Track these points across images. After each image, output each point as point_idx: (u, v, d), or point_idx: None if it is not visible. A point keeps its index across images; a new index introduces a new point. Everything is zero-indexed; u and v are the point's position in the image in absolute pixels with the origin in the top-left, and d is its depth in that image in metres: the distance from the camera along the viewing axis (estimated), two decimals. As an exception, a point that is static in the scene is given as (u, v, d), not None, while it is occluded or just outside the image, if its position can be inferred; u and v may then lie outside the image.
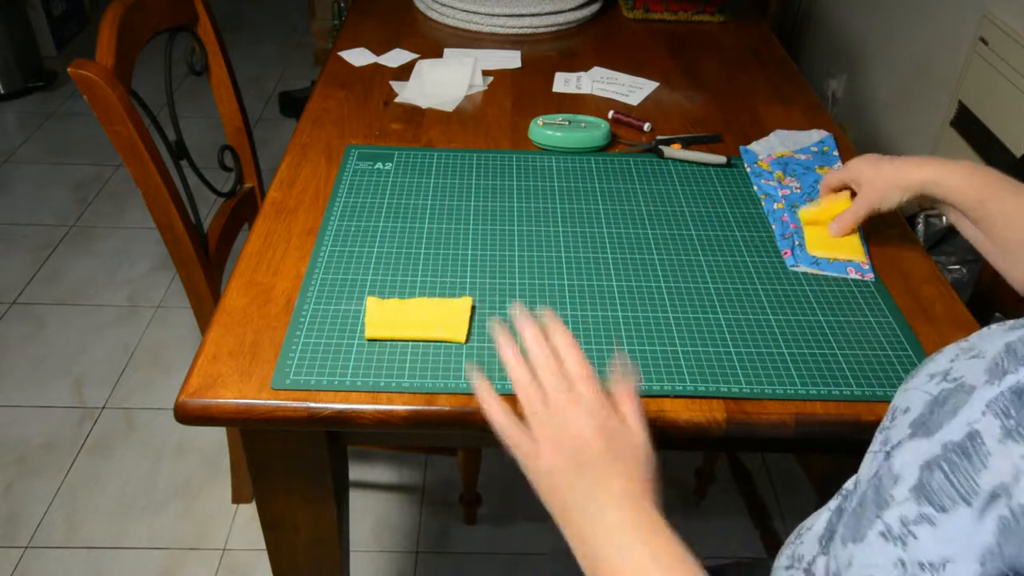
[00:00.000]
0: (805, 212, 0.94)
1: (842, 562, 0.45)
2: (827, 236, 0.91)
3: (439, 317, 0.78)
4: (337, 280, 0.84)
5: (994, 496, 0.37)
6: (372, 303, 0.79)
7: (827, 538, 0.54)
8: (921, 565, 0.39)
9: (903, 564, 0.39)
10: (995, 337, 0.47)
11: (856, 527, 0.45)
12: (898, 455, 0.45)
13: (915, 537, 0.39)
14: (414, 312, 0.78)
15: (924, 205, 0.85)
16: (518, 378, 0.61)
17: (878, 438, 0.52)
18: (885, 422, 0.52)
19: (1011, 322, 0.49)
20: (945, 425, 0.43)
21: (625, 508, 0.55)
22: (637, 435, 0.59)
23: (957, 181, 0.77)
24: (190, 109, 2.87)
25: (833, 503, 0.58)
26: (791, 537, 0.62)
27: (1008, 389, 0.40)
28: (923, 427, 0.45)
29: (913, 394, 0.49)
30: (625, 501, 0.55)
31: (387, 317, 0.77)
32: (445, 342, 0.76)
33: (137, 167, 1.04)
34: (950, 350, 0.51)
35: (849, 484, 0.57)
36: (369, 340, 0.76)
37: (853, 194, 0.90)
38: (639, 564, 0.52)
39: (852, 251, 0.90)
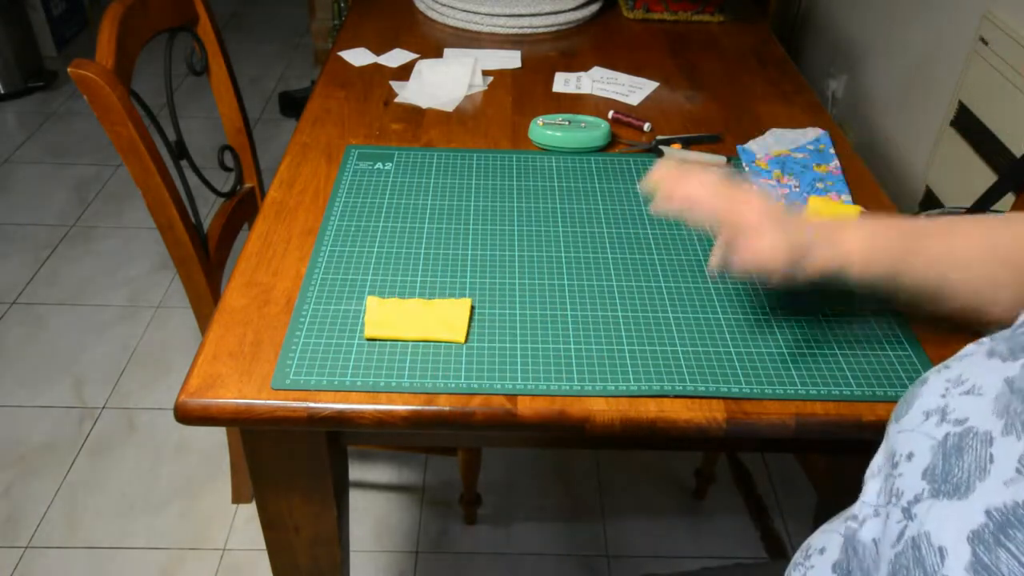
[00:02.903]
0: (814, 201, 0.92)
1: None
2: None
3: (439, 317, 0.78)
4: (337, 280, 0.84)
5: None
6: (372, 303, 0.79)
7: None
8: None
9: None
10: (982, 367, 0.44)
11: None
12: (931, 521, 0.42)
13: None
14: (414, 312, 0.78)
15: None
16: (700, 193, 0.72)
17: (881, 486, 0.48)
18: (883, 466, 0.49)
19: (987, 342, 0.46)
20: (978, 486, 0.40)
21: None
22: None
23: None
24: (190, 109, 2.87)
25: (840, 526, 0.54)
26: (798, 556, 0.59)
27: None
28: (946, 483, 0.42)
29: (913, 437, 0.46)
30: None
31: (387, 317, 0.77)
32: (445, 342, 0.76)
33: (137, 167, 1.04)
34: (936, 382, 0.48)
35: (856, 510, 0.53)
36: (369, 340, 0.76)
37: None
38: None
39: None
